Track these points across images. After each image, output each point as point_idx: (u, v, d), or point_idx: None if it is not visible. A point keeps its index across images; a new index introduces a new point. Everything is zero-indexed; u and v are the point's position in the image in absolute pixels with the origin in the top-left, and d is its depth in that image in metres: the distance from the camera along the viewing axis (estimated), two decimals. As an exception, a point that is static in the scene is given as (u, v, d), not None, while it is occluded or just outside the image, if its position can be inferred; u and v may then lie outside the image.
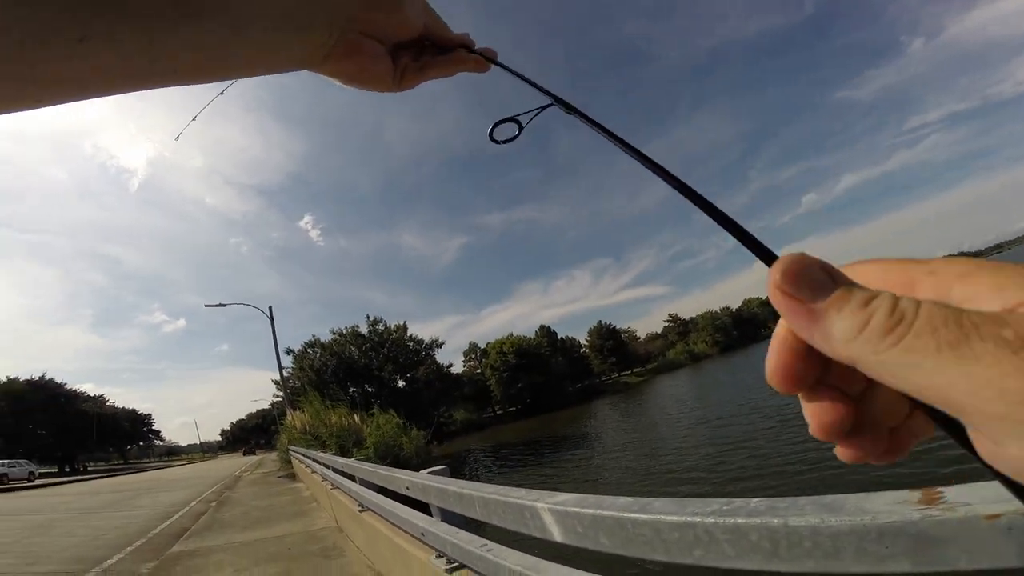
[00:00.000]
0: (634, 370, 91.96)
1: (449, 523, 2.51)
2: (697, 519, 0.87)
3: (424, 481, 2.60)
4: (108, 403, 75.14)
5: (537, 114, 0.44)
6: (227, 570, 5.25)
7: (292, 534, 6.97)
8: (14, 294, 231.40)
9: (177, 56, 0.34)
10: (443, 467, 2.77)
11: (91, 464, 77.72)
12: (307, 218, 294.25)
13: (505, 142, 0.51)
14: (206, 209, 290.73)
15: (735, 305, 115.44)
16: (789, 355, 0.21)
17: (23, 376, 58.89)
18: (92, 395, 73.10)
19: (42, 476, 48.01)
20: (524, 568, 1.60)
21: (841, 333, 0.18)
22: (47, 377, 61.83)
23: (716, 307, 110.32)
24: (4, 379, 55.85)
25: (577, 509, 1.18)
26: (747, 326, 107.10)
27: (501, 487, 1.74)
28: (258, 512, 9.56)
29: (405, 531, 3.38)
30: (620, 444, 21.26)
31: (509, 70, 0.51)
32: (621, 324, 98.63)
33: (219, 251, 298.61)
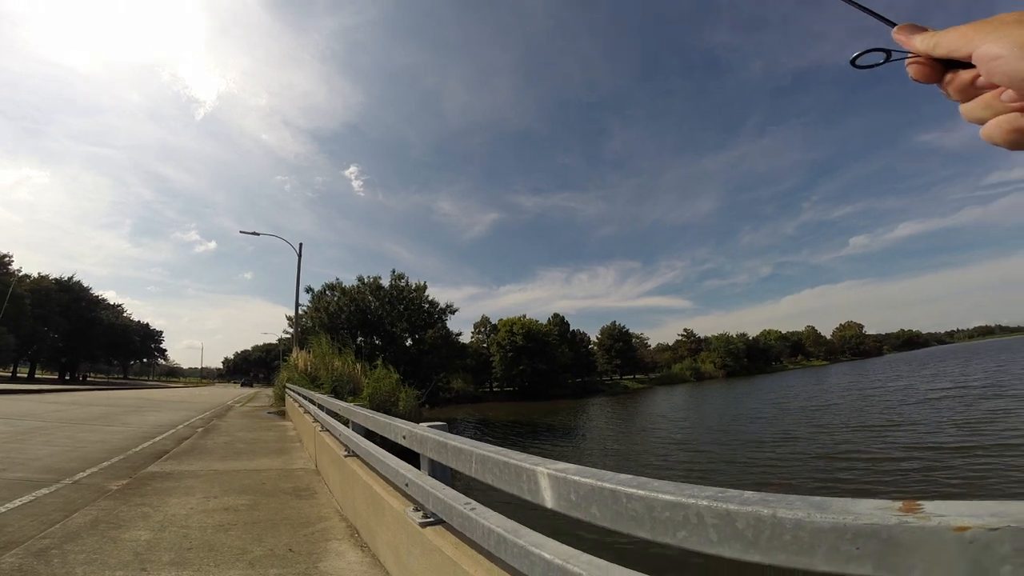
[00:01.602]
0: (636, 376, 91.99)
1: (436, 478, 2.52)
2: (692, 501, 0.90)
3: (423, 432, 2.59)
4: (125, 314, 77.21)
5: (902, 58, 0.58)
6: (197, 495, 5.28)
7: (269, 469, 7.02)
8: (63, 195, 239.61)
9: None
10: (442, 423, 2.75)
11: (91, 375, 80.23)
12: (353, 168, 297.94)
13: (867, 67, 0.61)
14: (261, 145, 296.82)
15: (753, 334, 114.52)
16: (920, 64, 0.55)
17: (54, 275, 60.91)
18: (112, 304, 75.05)
19: (41, 381, 49.73)
20: (504, 530, 1.65)
21: (920, 43, 0.54)
22: (75, 279, 63.80)
23: (733, 332, 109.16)
24: (36, 275, 57.54)
25: (576, 478, 1.22)
26: (759, 356, 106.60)
27: (501, 448, 1.79)
28: (241, 444, 9.65)
29: (388, 481, 3.39)
30: (597, 447, 21.63)
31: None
32: (634, 329, 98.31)
33: (264, 185, 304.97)
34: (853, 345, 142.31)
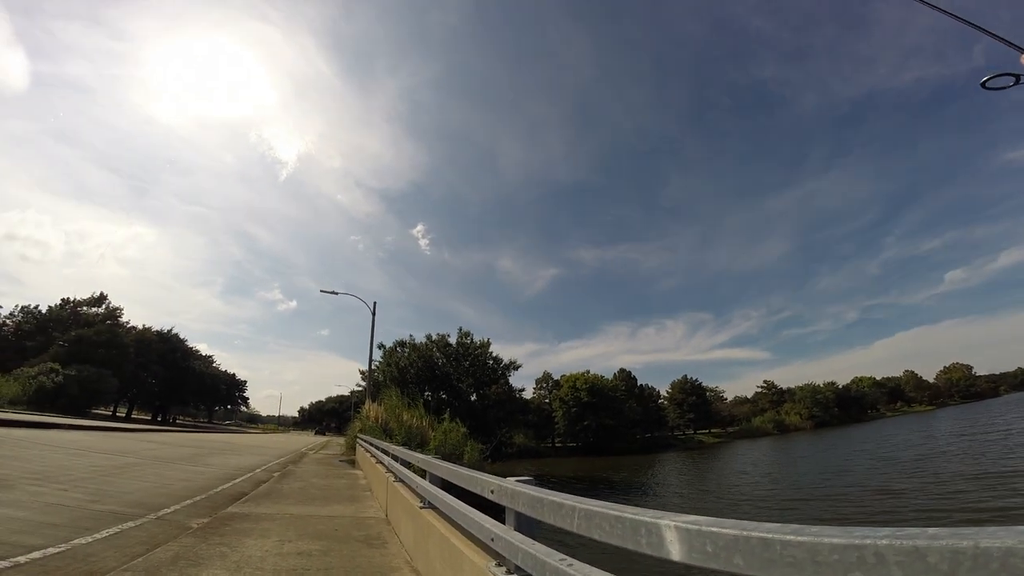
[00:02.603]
0: (712, 430, 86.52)
1: (522, 533, 2.42)
2: (868, 541, 0.85)
3: (513, 487, 2.51)
4: (214, 364, 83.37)
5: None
6: (272, 538, 5.35)
7: (342, 516, 7.06)
8: (170, 254, 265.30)
9: None
10: (530, 478, 2.66)
11: (180, 417, 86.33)
12: (419, 227, 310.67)
13: (997, 89, 1.10)
14: (336, 206, 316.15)
15: (843, 382, 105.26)
16: None
17: (156, 327, 67.53)
18: (204, 355, 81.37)
19: (136, 421, 54.38)
20: (613, 590, 1.58)
21: None
22: (174, 332, 70.25)
23: (819, 381, 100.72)
24: (141, 326, 64.12)
25: (713, 529, 1.18)
26: (852, 405, 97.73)
27: (608, 502, 1.71)
28: (315, 490, 9.83)
29: (468, 535, 3.29)
30: (665, 505, 19.99)
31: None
32: (708, 382, 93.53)
33: (339, 245, 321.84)
34: (962, 388, 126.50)
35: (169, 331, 69.29)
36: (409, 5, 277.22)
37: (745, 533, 1.08)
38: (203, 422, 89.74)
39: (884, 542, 0.82)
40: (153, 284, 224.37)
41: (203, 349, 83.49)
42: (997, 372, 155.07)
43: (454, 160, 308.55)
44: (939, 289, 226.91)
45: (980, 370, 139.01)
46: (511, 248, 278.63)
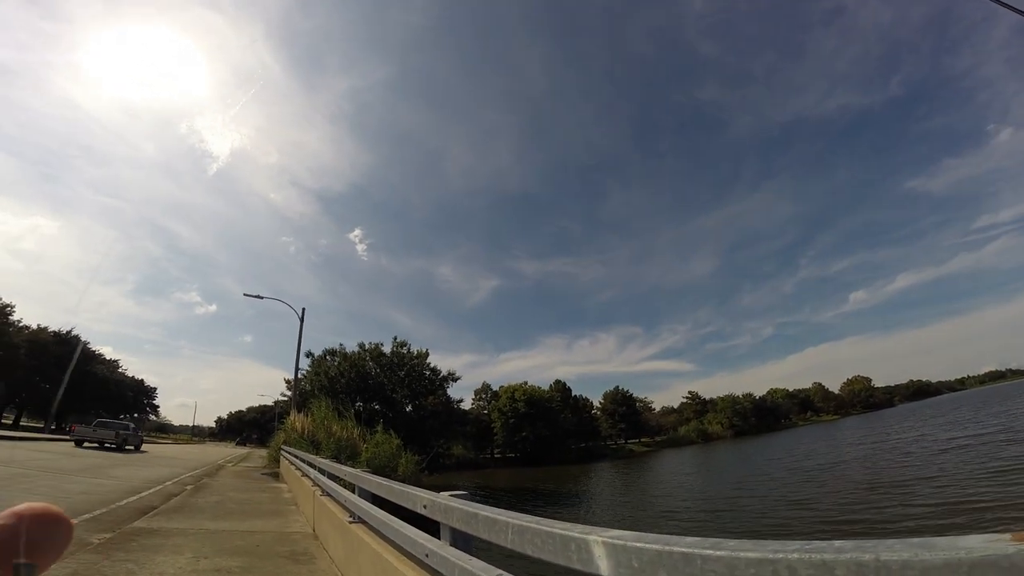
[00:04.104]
0: (641, 439, 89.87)
1: (458, 548, 2.39)
2: (780, 555, 0.87)
3: (446, 502, 2.47)
4: (120, 369, 76.50)
5: None
6: (186, 554, 4.99)
7: (264, 532, 6.70)
8: (72, 247, 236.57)
9: None
10: (464, 492, 2.64)
11: (79, 426, 78.41)
12: (357, 231, 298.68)
13: None
14: (268, 204, 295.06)
15: (759, 393, 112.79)
16: None
17: (53, 327, 60.73)
18: (108, 359, 74.54)
19: (27, 429, 49.01)
20: (546, 604, 1.60)
21: None
22: (74, 333, 63.64)
23: (739, 392, 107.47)
24: (35, 327, 57.50)
25: (638, 544, 1.19)
26: (767, 415, 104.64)
27: (540, 517, 1.71)
28: (233, 504, 9.29)
29: (401, 550, 3.22)
30: (598, 516, 20.80)
31: None
32: (638, 393, 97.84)
33: (268, 246, 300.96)
34: (863, 398, 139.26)
35: (68, 332, 62.88)
36: (372, 4, 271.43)
37: (668, 548, 1.09)
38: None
39: (795, 556, 0.86)
40: (53, 280, 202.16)
41: (108, 353, 76.40)
42: (892, 384, 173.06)
43: (399, 163, 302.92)
44: (844, 308, 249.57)
45: (877, 382, 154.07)
46: (453, 257, 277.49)
